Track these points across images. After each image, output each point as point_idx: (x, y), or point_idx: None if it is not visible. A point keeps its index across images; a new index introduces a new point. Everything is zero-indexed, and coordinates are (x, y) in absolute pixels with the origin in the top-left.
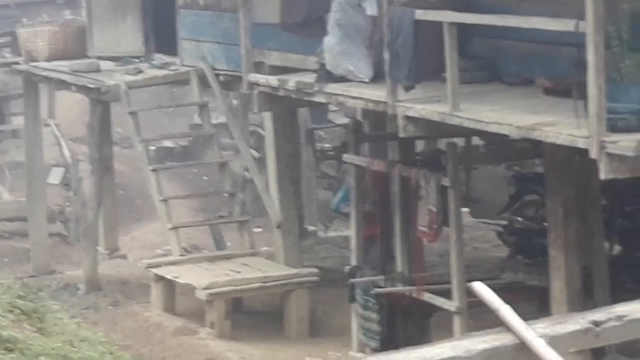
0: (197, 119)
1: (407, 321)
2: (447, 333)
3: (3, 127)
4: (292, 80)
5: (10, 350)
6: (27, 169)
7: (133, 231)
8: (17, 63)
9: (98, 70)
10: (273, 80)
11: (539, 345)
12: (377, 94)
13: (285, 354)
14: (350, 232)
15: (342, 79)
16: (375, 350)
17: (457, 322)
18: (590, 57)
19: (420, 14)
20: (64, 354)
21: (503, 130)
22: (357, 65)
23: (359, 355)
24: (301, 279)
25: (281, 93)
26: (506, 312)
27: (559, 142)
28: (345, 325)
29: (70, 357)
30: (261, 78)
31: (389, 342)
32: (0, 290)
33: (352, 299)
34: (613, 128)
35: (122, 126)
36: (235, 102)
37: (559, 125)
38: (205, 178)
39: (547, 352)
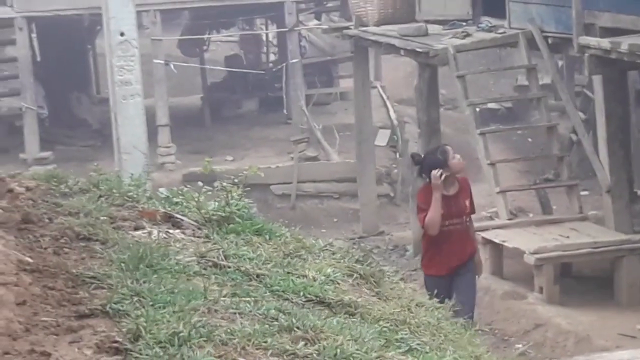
0: (521, 80)
1: None
2: None
3: (332, 90)
4: (625, 43)
5: (352, 315)
6: (356, 131)
7: None
8: (347, 28)
9: (426, 34)
10: (605, 43)
11: None
12: None
13: (615, 321)
14: None
15: None
16: None
17: None
18: None
19: None
20: (402, 319)
21: None
22: None
23: None
24: (633, 245)
25: (613, 56)
26: None
27: None
28: None
29: (408, 323)
30: (592, 41)
31: None
32: (339, 254)
33: None
34: None
35: (446, 88)
36: (560, 62)
37: None
38: (529, 140)
39: None
